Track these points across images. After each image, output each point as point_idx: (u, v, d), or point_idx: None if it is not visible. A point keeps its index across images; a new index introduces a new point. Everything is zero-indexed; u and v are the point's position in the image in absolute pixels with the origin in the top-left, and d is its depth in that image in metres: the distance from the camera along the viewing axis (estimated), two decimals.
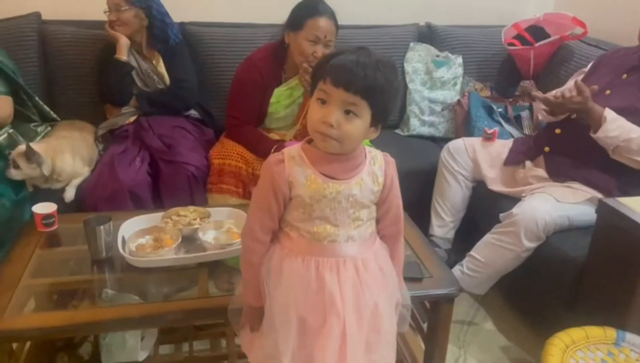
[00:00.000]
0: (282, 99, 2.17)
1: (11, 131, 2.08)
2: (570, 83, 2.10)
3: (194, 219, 1.65)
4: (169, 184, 2.04)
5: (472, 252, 2.00)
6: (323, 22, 2.02)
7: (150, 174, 2.08)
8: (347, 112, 1.01)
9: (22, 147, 1.90)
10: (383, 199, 1.13)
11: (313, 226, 1.08)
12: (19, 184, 1.94)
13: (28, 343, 1.49)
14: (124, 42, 2.20)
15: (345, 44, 2.54)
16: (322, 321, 1.06)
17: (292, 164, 1.07)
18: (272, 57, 2.15)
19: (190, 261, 1.50)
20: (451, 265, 2.02)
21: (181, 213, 1.66)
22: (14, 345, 1.42)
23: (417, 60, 2.73)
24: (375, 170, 1.10)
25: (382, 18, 2.82)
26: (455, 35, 2.81)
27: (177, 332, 1.76)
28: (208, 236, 1.56)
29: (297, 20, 2.06)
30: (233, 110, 2.19)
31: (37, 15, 2.41)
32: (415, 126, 2.68)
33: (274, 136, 2.22)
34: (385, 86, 1.01)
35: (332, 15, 2.06)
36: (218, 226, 1.61)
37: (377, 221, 1.16)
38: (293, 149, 1.10)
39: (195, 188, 2.06)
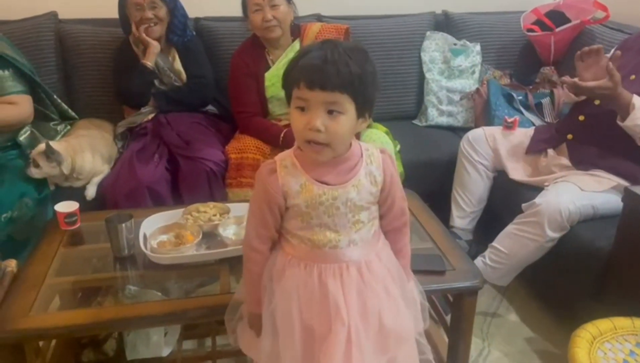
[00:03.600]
0: (275, 81, 2.18)
1: (32, 129, 2.10)
2: None
3: (214, 215, 1.65)
4: (188, 180, 2.05)
5: (494, 243, 1.97)
6: None
7: (169, 170, 2.09)
8: (330, 112, 0.96)
9: (42, 146, 1.92)
10: (385, 197, 1.09)
11: (313, 234, 1.05)
12: (42, 183, 1.97)
13: (54, 341, 1.50)
14: (154, 49, 2.20)
15: (361, 34, 2.54)
16: (328, 328, 1.04)
17: (285, 174, 1.04)
18: (252, 47, 2.21)
19: (211, 258, 1.51)
20: (473, 257, 2.00)
21: (201, 209, 1.66)
22: (41, 343, 1.43)
23: (434, 49, 2.69)
24: (373, 170, 1.06)
25: (397, 7, 2.79)
26: (473, 22, 2.76)
27: (199, 328, 1.76)
28: (228, 232, 1.56)
29: (242, 6, 2.16)
30: (237, 106, 2.23)
31: (53, 14, 2.43)
32: (434, 116, 2.64)
33: (284, 122, 2.22)
34: (362, 74, 0.96)
35: None
36: (238, 222, 1.61)
37: (381, 217, 1.13)
38: (286, 157, 1.06)
39: (214, 184, 2.06)
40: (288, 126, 2.16)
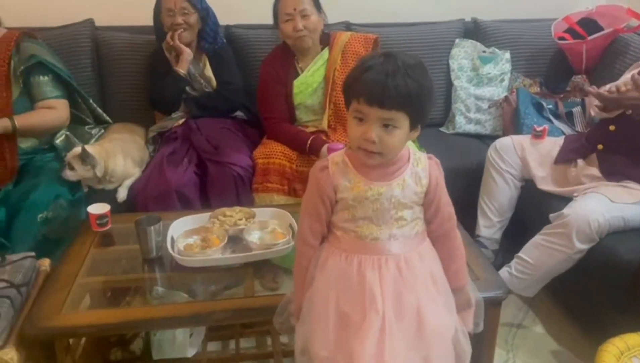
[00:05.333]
0: (303, 89, 2.21)
1: (68, 133, 2.17)
2: (625, 77, 2.00)
3: (240, 219, 1.68)
4: (216, 184, 2.08)
5: (520, 254, 1.94)
6: None
7: (198, 174, 2.13)
8: (386, 125, 1.02)
9: (77, 149, 1.98)
10: (430, 201, 1.13)
11: (357, 226, 1.11)
12: (75, 185, 2.03)
13: (83, 339, 1.55)
14: (187, 56, 2.25)
15: (389, 42, 2.54)
16: (362, 316, 1.08)
17: (336, 170, 1.11)
18: (281, 55, 2.24)
19: (236, 261, 1.53)
20: (498, 267, 1.98)
21: (227, 213, 1.69)
22: (71, 340, 1.48)
23: (462, 56, 2.67)
24: (419, 171, 1.11)
25: (427, 15, 2.78)
26: (503, 30, 2.74)
27: (224, 330, 1.79)
28: (253, 236, 1.59)
29: (273, 15, 2.18)
30: (265, 112, 2.26)
31: (90, 22, 2.51)
32: (461, 123, 2.63)
33: (310, 128, 2.24)
34: (419, 91, 1.01)
35: None
36: (263, 227, 1.63)
37: (429, 222, 1.16)
38: (337, 155, 1.13)
39: (241, 188, 2.09)
40: (315, 133, 2.19)
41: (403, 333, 1.08)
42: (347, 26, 2.64)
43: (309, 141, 2.09)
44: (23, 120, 2.00)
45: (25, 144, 2.06)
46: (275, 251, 1.53)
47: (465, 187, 2.30)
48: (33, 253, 1.54)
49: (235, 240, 1.60)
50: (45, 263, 1.55)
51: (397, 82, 0.98)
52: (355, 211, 1.10)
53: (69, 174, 1.97)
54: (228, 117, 2.39)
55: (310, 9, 2.11)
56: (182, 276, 1.52)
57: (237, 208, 1.72)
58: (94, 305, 1.46)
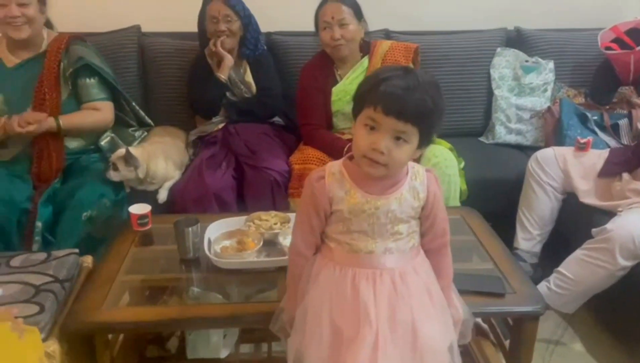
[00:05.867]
0: (342, 96, 2.21)
1: (113, 135, 2.25)
2: None
3: (275, 223, 1.70)
4: (253, 188, 2.12)
5: (560, 268, 1.89)
6: (328, 7, 2.14)
7: (236, 178, 2.17)
8: (397, 138, 1.01)
9: (121, 151, 2.05)
10: (427, 215, 1.12)
11: (351, 239, 1.10)
12: (118, 186, 2.10)
13: (121, 335, 1.59)
14: (229, 62, 2.30)
15: (429, 50, 2.53)
16: (356, 331, 1.06)
17: (333, 180, 1.09)
18: (321, 62, 2.26)
19: (270, 265, 1.55)
20: (537, 281, 1.93)
21: (263, 217, 1.72)
22: (109, 336, 1.52)
23: (504, 66, 2.63)
24: (417, 186, 1.10)
25: (468, 23, 2.75)
26: (547, 39, 2.68)
27: (257, 332, 1.81)
28: (288, 241, 1.59)
29: (315, 21, 2.20)
30: (303, 118, 2.28)
31: (137, 28, 2.60)
32: (501, 133, 2.58)
33: (347, 136, 2.24)
34: (434, 110, 1.01)
35: (340, 1, 2.13)
36: None
37: (422, 235, 1.15)
38: (334, 166, 1.12)
39: (277, 193, 2.12)
40: (351, 140, 2.18)
41: (397, 348, 1.07)
42: (387, 34, 2.64)
43: (345, 148, 2.09)
44: (68, 120, 2.08)
45: (72, 144, 2.14)
46: None
47: (504, 198, 2.26)
48: (77, 250, 1.59)
49: (270, 244, 1.62)
50: (88, 260, 1.61)
51: (417, 97, 0.98)
52: (350, 224, 1.09)
53: (113, 175, 2.03)
54: (266, 123, 2.43)
55: (349, 18, 2.12)
56: (217, 278, 1.54)
57: (273, 212, 1.74)
58: (132, 303, 1.50)
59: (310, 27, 2.31)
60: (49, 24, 2.19)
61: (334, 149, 2.14)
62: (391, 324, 1.07)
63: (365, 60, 2.23)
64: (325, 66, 2.25)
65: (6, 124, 1.97)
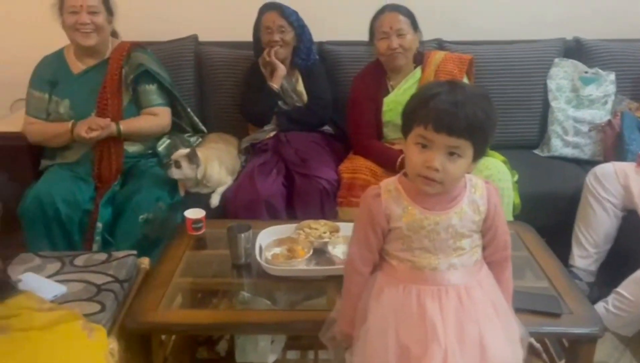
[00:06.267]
0: (393, 106, 2.20)
1: (170, 141, 2.32)
2: None
3: (324, 232, 1.71)
4: (302, 196, 2.14)
5: (619, 289, 1.82)
6: (385, 17, 2.14)
7: (285, 186, 2.20)
8: (451, 154, 1.00)
9: (183, 150, 2.12)
10: (488, 227, 1.10)
11: (413, 256, 1.09)
12: (174, 190, 2.17)
13: (173, 335, 1.65)
14: (281, 72, 2.34)
15: (483, 61, 2.49)
16: (424, 349, 1.05)
17: (389, 198, 1.09)
18: (373, 72, 2.26)
19: (320, 274, 1.57)
20: (593, 301, 1.85)
21: (313, 226, 1.74)
22: (163, 336, 1.58)
23: (562, 77, 2.56)
24: (476, 199, 1.08)
25: (524, 33, 2.69)
26: (608, 50, 2.59)
27: (303, 339, 1.83)
28: (337, 250, 1.61)
29: (369, 31, 2.21)
30: (354, 128, 2.29)
31: (194, 37, 2.68)
32: (557, 146, 2.51)
33: (397, 146, 2.23)
34: (487, 122, 1.00)
35: (395, 8, 2.16)
36: (347, 241, 1.64)
37: (484, 248, 1.13)
38: (390, 183, 1.11)
39: (326, 201, 2.13)
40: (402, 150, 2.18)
41: None
42: (439, 44, 2.61)
43: (399, 159, 2.09)
44: (127, 125, 2.17)
45: (131, 148, 2.23)
46: None
47: (559, 214, 2.19)
48: (135, 252, 1.66)
49: (320, 253, 1.63)
50: (145, 262, 1.67)
51: (467, 111, 0.97)
52: (410, 241, 1.08)
53: (175, 172, 2.09)
54: (316, 131, 2.45)
55: (406, 28, 2.12)
56: (267, 284, 1.57)
57: (322, 221, 1.76)
58: (186, 305, 1.55)
59: (361, 37, 2.33)
60: (114, 34, 2.29)
61: (386, 160, 2.14)
62: (459, 340, 1.05)
63: (418, 71, 2.22)
64: (377, 76, 2.25)
65: (73, 129, 2.07)
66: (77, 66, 2.21)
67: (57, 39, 2.21)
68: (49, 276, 1.47)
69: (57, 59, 2.23)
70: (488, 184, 1.11)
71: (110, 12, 2.18)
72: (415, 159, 1.03)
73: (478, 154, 1.03)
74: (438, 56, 2.25)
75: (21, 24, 2.68)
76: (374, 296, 1.13)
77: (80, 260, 1.56)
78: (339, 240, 1.65)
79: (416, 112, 1.03)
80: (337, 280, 1.54)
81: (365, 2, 2.48)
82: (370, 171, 2.13)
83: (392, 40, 2.11)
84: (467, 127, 0.98)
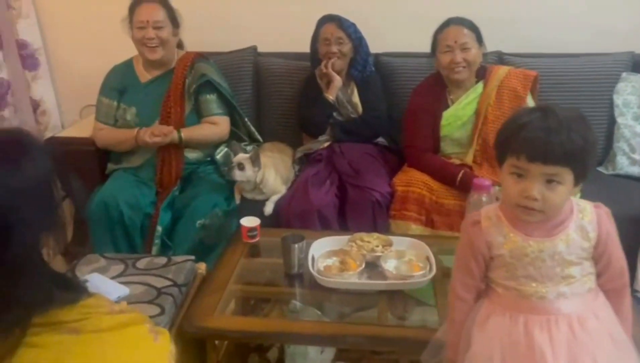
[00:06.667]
0: (452, 121, 2.17)
1: (227, 149, 2.39)
2: None
3: (377, 246, 1.71)
4: (355, 208, 2.14)
5: None
6: (450, 31, 2.11)
7: (338, 196, 2.21)
8: (549, 181, 0.97)
9: (244, 155, 2.18)
10: (600, 254, 1.04)
11: (519, 284, 1.05)
12: (230, 197, 2.23)
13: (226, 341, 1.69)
14: (337, 83, 2.36)
15: (546, 75, 2.41)
16: None
17: (489, 225, 1.07)
18: (433, 85, 2.23)
19: (372, 288, 1.57)
20: None
21: (365, 238, 1.74)
22: (216, 341, 1.62)
23: (629, 92, 2.44)
24: (585, 225, 1.03)
25: (588, 46, 2.59)
26: None
27: (353, 352, 1.83)
28: (389, 264, 1.61)
29: (432, 44, 2.18)
30: (409, 140, 2.27)
31: (253, 48, 2.75)
32: (623, 164, 2.40)
33: (454, 161, 2.20)
34: (584, 146, 0.96)
35: (460, 22, 2.12)
36: (399, 256, 1.65)
37: (598, 276, 1.07)
38: (490, 210, 1.09)
39: (379, 213, 2.12)
40: (463, 166, 2.14)
41: None
42: (499, 56, 2.56)
43: (460, 174, 2.06)
44: (188, 133, 2.25)
45: (191, 155, 2.31)
46: (411, 283, 1.53)
47: (624, 234, 2.07)
48: (193, 257, 1.72)
49: (372, 266, 1.63)
50: (202, 267, 1.73)
51: (562, 138, 0.94)
52: (514, 269, 1.05)
53: (238, 174, 2.14)
54: (370, 143, 2.45)
55: (471, 42, 2.09)
56: (318, 294, 1.59)
57: (375, 234, 1.76)
58: (239, 312, 1.59)
59: (418, 49, 2.32)
60: (180, 45, 2.39)
61: (445, 176, 2.11)
62: None
63: (480, 85, 2.18)
64: (437, 89, 2.22)
65: (137, 135, 2.17)
66: (144, 76, 2.32)
67: (126, 50, 2.32)
68: (113, 278, 1.55)
69: (126, 68, 2.35)
70: (598, 209, 1.06)
71: (175, 24, 2.28)
72: (511, 189, 1.00)
73: (580, 178, 0.99)
74: (501, 71, 2.19)
75: (92, 35, 2.83)
76: (479, 323, 1.10)
77: (142, 263, 1.63)
78: (391, 254, 1.65)
79: (508, 143, 1.00)
80: (388, 295, 1.56)
81: (423, 14, 2.48)
82: (426, 185, 2.11)
83: (456, 55, 2.08)
84: (563, 155, 0.94)
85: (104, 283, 1.49)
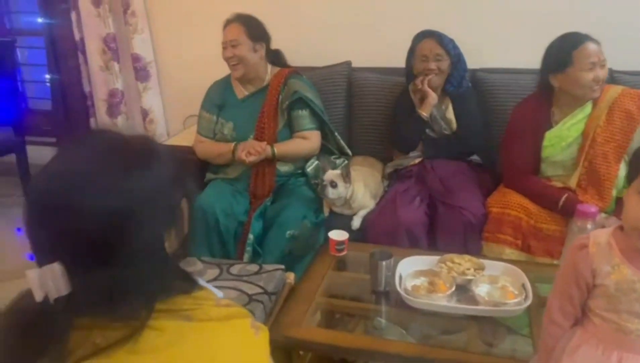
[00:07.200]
0: (555, 142, 2.05)
1: (317, 162, 2.44)
2: None
3: (468, 269, 1.66)
4: (445, 227, 2.09)
5: None
6: (589, 47, 1.96)
7: (428, 214, 2.17)
8: None
9: (335, 171, 2.21)
10: None
11: (619, 318, 0.99)
12: (318, 209, 2.27)
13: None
14: (432, 100, 2.32)
15: None
16: None
17: (597, 251, 1.00)
18: (537, 103, 2.11)
19: (462, 312, 1.52)
20: None
21: (456, 260, 1.69)
22: (301, 351, 1.65)
23: None
24: None
25: None
26: None
27: None
28: (481, 289, 1.55)
29: (560, 59, 2.00)
30: (508, 160, 2.17)
31: (348, 63, 2.78)
32: None
33: (555, 183, 2.08)
34: None
35: (592, 39, 1.98)
36: (492, 281, 1.59)
37: None
38: (601, 235, 1.02)
39: (470, 234, 2.06)
40: (565, 189, 2.03)
41: None
42: (610, 74, 2.39)
43: (562, 199, 1.95)
44: (281, 148, 2.32)
45: (283, 168, 2.38)
46: (505, 311, 1.47)
47: None
48: (283, 266, 1.77)
49: (462, 289, 1.58)
50: (291, 277, 1.77)
51: None
52: (617, 302, 0.98)
53: (331, 192, 2.17)
54: (464, 161, 2.39)
55: (604, 59, 1.98)
56: (403, 314, 1.57)
57: (467, 257, 1.71)
58: (324, 324, 1.61)
59: (518, 65, 2.22)
60: (277, 60, 2.47)
61: (546, 199, 2.01)
62: None
63: (589, 106, 2.04)
64: (541, 107, 2.11)
65: (235, 151, 2.27)
66: (241, 91, 2.43)
67: (225, 65, 2.44)
68: (208, 281, 1.60)
69: (224, 84, 2.47)
70: None
71: (256, 40, 2.33)
72: (634, 211, 0.94)
73: None
74: (613, 91, 2.04)
75: (197, 51, 3.02)
76: (569, 352, 1.05)
77: (235, 269, 1.71)
78: (484, 278, 1.59)
79: None
80: (478, 320, 1.50)
81: (524, 29, 2.38)
82: (523, 208, 2.01)
83: (598, 72, 1.96)
84: None
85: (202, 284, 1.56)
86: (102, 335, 0.70)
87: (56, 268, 0.68)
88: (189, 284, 0.81)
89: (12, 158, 3.19)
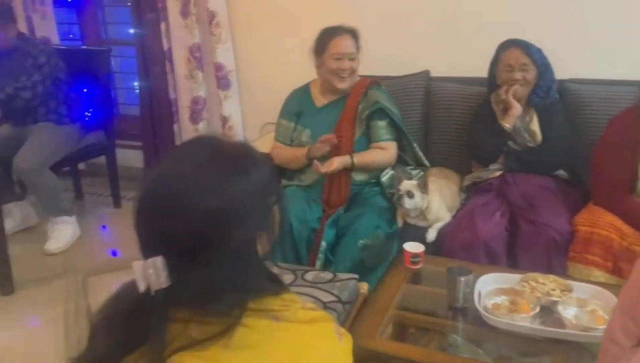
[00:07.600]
0: None
1: (393, 172, 2.41)
2: None
3: (553, 289, 1.58)
4: (527, 244, 2.00)
5: None
6: None
7: (508, 230, 2.08)
8: None
9: (411, 181, 2.18)
10: None
11: None
12: (392, 220, 2.23)
13: None
14: (516, 111, 2.23)
15: None
16: None
17: None
18: (635, 117, 1.97)
19: (546, 335, 1.44)
20: None
21: (540, 280, 1.61)
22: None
23: None
24: None
25: None
26: None
27: None
28: (569, 312, 1.47)
29: None
30: (600, 176, 2.04)
31: (426, 73, 2.74)
32: None
33: None
34: None
35: None
36: (581, 304, 1.49)
37: None
38: None
39: (555, 254, 1.95)
40: None
41: None
42: None
43: None
44: (360, 158, 2.31)
45: (358, 177, 2.36)
46: (595, 337, 1.37)
47: None
48: (357, 276, 1.75)
49: (546, 311, 1.50)
50: (364, 287, 1.75)
51: None
52: None
53: (408, 202, 2.14)
54: (549, 175, 2.27)
55: None
56: (482, 332, 1.51)
57: (552, 277, 1.62)
58: (399, 337, 1.57)
59: (609, 76, 2.08)
60: None
61: None
62: None
63: None
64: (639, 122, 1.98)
65: (308, 152, 2.29)
66: (320, 100, 2.45)
67: (301, 75, 2.48)
68: None
69: (303, 92, 2.51)
70: None
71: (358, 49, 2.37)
72: None
73: None
74: None
75: (275, 60, 3.09)
76: None
77: (309, 276, 1.71)
78: (571, 301, 1.50)
79: None
80: (563, 345, 1.41)
81: (614, 39, 2.24)
82: (615, 228, 1.88)
83: None
84: None
85: None
86: (198, 328, 0.74)
87: (158, 261, 0.72)
88: (277, 286, 0.84)
89: (102, 159, 3.39)
